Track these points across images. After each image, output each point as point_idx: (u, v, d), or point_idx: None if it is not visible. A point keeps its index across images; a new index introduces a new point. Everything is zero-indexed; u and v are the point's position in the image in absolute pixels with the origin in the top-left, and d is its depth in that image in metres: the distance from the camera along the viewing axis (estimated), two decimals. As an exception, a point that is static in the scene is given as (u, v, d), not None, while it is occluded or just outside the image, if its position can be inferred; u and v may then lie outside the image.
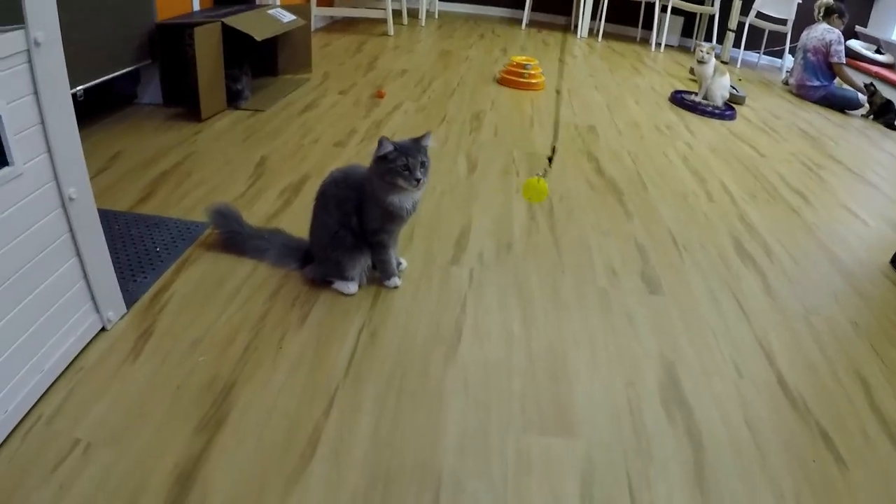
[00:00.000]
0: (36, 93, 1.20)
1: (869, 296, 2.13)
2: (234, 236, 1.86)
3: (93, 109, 2.95)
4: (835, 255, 2.39)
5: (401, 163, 1.57)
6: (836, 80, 5.58)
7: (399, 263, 1.82)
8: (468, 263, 1.91)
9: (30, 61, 1.18)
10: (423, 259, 1.90)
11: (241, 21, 3.17)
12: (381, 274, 1.75)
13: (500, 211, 2.30)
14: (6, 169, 1.15)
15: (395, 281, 1.75)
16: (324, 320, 1.59)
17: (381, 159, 1.59)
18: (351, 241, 1.65)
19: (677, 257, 2.15)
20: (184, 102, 3.14)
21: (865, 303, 2.08)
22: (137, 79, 3.18)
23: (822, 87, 5.54)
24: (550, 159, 1.76)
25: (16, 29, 1.15)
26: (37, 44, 1.18)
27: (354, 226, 1.65)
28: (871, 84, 5.53)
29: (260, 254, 1.82)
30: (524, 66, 4.23)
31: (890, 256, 2.45)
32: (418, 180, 1.58)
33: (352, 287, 1.70)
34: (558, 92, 1.95)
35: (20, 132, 1.17)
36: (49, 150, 1.26)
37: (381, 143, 1.57)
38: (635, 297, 1.86)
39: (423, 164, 1.60)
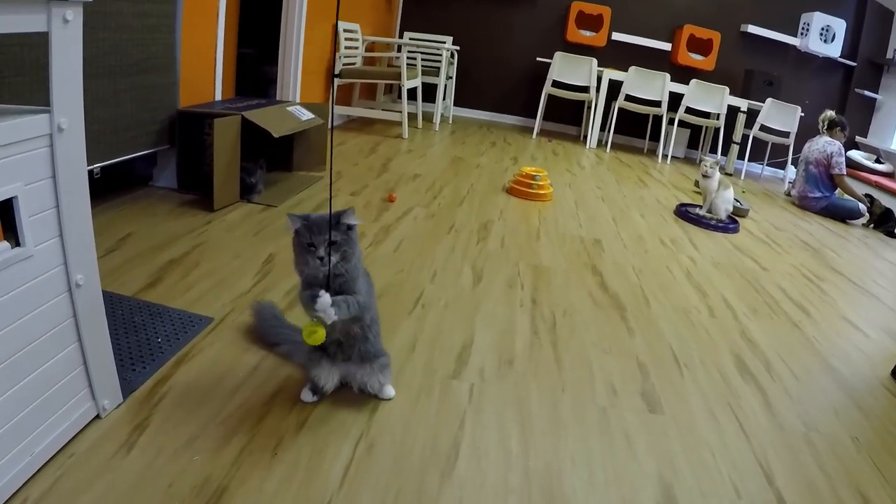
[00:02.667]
0: (54, 177, 1.24)
1: (869, 410, 2.14)
2: (269, 322, 1.94)
3: (108, 188, 3.02)
4: (835, 370, 2.40)
5: (305, 240, 1.49)
6: (837, 191, 5.68)
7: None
8: (469, 378, 1.92)
9: (51, 146, 1.21)
10: (423, 371, 1.91)
11: (261, 116, 3.27)
12: None
13: (504, 325, 2.32)
14: (18, 249, 1.17)
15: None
16: (321, 428, 1.59)
17: (295, 234, 1.52)
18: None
19: (678, 375, 2.16)
20: (198, 190, 3.22)
21: (866, 417, 2.08)
22: (154, 162, 3.28)
23: (823, 197, 5.64)
24: None
25: (41, 112, 1.19)
26: (60, 129, 1.22)
27: None
28: (869, 195, 5.64)
29: (293, 346, 1.86)
30: (533, 177, 4.32)
31: (891, 368, 2.46)
32: (321, 258, 1.48)
33: (306, 395, 1.69)
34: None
35: (34, 214, 1.20)
36: (61, 235, 1.28)
37: (287, 218, 1.51)
38: (634, 416, 1.86)
39: (335, 244, 1.49)
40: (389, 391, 1.75)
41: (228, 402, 1.64)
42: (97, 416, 1.49)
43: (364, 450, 1.53)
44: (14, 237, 1.18)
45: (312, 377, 1.66)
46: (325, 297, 1.48)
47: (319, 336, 1.51)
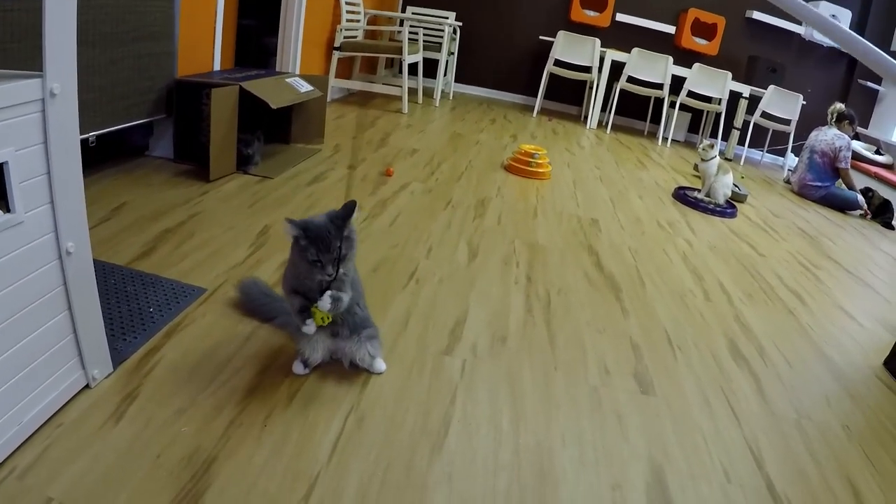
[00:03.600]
0: (45, 143, 1.22)
1: (861, 399, 2.14)
2: (259, 300, 1.92)
3: (103, 157, 2.99)
4: (829, 358, 2.40)
5: (311, 257, 1.45)
6: (837, 182, 5.67)
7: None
8: (461, 354, 1.91)
9: (43, 111, 1.20)
10: (416, 346, 1.91)
11: (259, 87, 3.24)
12: None
13: (498, 302, 2.31)
14: (7, 216, 1.15)
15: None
16: (312, 400, 1.58)
17: (294, 240, 1.48)
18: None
19: (671, 357, 2.15)
20: (194, 160, 3.19)
21: (858, 406, 2.08)
22: (150, 131, 3.25)
23: (823, 187, 5.64)
24: None
25: (33, 77, 1.17)
26: (52, 94, 1.20)
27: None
28: (869, 189, 5.64)
29: (287, 317, 1.84)
30: (532, 155, 4.30)
31: (883, 358, 2.46)
32: (331, 275, 1.46)
33: (297, 367, 1.67)
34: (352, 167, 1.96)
35: (25, 181, 1.18)
36: (52, 202, 1.27)
37: (286, 224, 1.45)
38: (627, 397, 1.86)
39: (341, 257, 1.46)
40: (380, 365, 1.74)
41: (219, 373, 1.63)
42: (86, 386, 1.48)
43: (354, 423, 1.53)
44: (4, 204, 1.16)
45: (301, 351, 1.65)
46: (323, 302, 1.50)
47: (326, 318, 1.55)
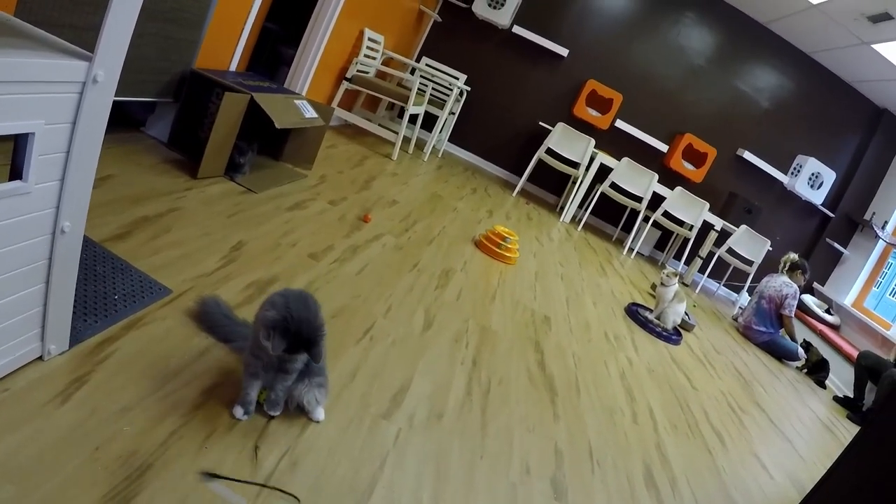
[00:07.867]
0: (74, 123, 1.26)
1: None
2: (219, 321, 1.95)
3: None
4: (734, 503, 2.50)
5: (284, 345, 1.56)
6: (782, 331, 5.86)
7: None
8: (398, 422, 1.97)
9: (81, 93, 1.24)
10: (358, 403, 1.96)
11: (269, 102, 3.31)
12: None
13: (442, 378, 2.37)
14: (17, 183, 1.19)
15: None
16: (252, 433, 1.62)
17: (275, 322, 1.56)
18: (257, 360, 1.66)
19: (589, 471, 2.23)
20: (186, 151, 3.23)
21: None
22: (152, 109, 3.29)
23: (766, 333, 5.82)
24: None
25: (81, 59, 1.21)
26: (94, 81, 1.24)
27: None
28: (809, 343, 5.82)
29: (245, 342, 1.84)
30: (504, 238, 4.38)
31: (784, 516, 2.58)
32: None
33: (237, 411, 1.66)
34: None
35: (45, 154, 1.22)
36: (62, 180, 1.30)
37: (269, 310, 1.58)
38: (541, 499, 1.93)
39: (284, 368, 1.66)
40: (320, 414, 1.79)
41: (170, 381, 1.66)
42: (39, 358, 1.50)
43: (287, 465, 1.58)
44: (17, 171, 1.20)
45: (247, 391, 1.66)
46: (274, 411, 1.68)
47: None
